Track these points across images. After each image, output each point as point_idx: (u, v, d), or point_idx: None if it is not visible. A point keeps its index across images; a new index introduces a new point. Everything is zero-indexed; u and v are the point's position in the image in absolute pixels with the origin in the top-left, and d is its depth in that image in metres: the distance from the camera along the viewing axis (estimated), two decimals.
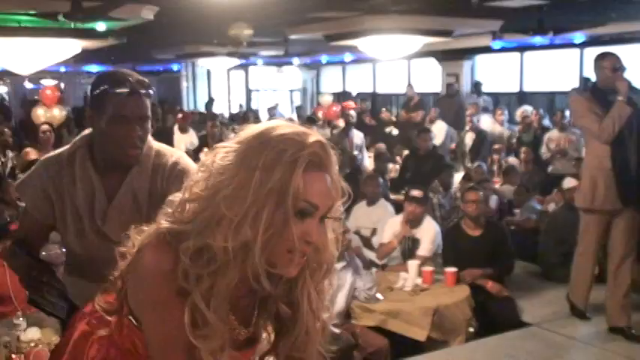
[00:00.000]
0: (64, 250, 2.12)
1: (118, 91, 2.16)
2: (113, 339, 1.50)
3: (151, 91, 2.25)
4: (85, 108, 2.48)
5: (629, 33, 10.60)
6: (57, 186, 2.28)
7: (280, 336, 1.50)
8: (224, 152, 1.38)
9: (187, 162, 2.36)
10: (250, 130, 1.40)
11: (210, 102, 18.24)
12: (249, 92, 21.51)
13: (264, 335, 1.53)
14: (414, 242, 5.72)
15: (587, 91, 5.19)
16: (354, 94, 17.22)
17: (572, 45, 11.82)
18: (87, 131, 2.34)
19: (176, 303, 1.34)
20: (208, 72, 19.12)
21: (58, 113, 9.99)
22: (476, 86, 13.43)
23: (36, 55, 7.71)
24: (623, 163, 4.79)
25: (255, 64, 18.88)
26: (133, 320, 1.44)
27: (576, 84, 11.75)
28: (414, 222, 5.75)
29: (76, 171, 2.26)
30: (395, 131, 12.15)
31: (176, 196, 1.44)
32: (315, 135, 1.38)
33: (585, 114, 4.89)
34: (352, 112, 11.17)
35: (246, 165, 1.33)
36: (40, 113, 9.74)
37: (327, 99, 15.03)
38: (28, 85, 22.25)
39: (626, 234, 4.92)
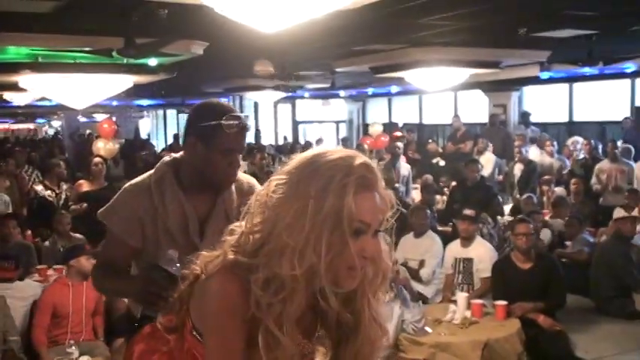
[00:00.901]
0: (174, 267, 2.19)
1: (231, 123, 2.35)
2: (173, 356, 1.57)
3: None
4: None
5: None
6: (148, 209, 2.43)
7: (343, 346, 1.55)
8: (276, 184, 1.44)
9: (257, 184, 2.55)
10: (299, 159, 1.48)
11: (257, 134, 18.46)
12: (295, 124, 21.71)
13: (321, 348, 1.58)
14: (468, 262, 5.91)
15: None
16: (400, 124, 17.23)
17: (623, 75, 11.63)
18: (167, 158, 2.54)
19: (238, 330, 1.41)
20: (255, 104, 19.38)
21: (112, 146, 10.26)
22: (523, 117, 13.30)
23: (90, 90, 7.97)
24: None
25: (302, 97, 19.07)
26: (197, 335, 1.51)
27: (627, 113, 11.55)
28: (466, 240, 6.07)
29: (166, 194, 2.42)
30: (442, 162, 12.08)
31: (236, 226, 1.51)
32: (359, 157, 1.46)
33: None
34: (399, 144, 11.16)
35: (299, 194, 1.41)
36: (100, 146, 10.03)
37: (377, 129, 15.06)
38: (82, 119, 22.89)
39: None
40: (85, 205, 7.55)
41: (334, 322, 1.53)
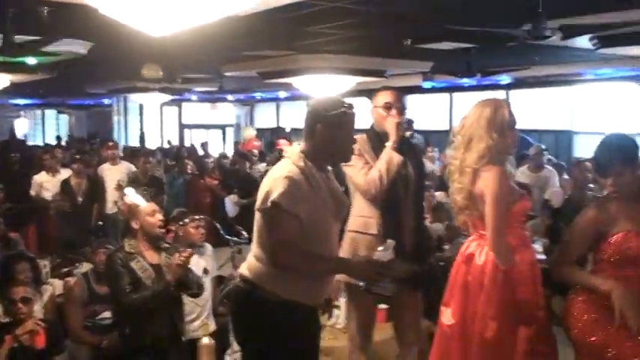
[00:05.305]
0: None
1: (352, 109, 3.09)
2: None
3: None
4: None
5: (552, 76, 11.10)
6: (309, 190, 2.99)
7: None
8: None
9: None
10: None
11: (142, 137, 18.02)
12: (182, 128, 21.35)
13: None
14: None
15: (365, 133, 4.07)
16: (287, 129, 17.34)
17: (498, 86, 12.26)
18: (297, 149, 3.10)
19: None
20: (141, 107, 18.90)
21: None
22: (408, 123, 13.68)
23: None
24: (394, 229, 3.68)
25: (190, 100, 18.79)
26: None
27: None
28: None
29: (315, 175, 3.02)
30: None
31: None
32: None
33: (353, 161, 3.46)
34: (255, 151, 11.45)
35: None
36: None
37: (249, 133, 15.15)
38: None
39: None
40: None
41: None
